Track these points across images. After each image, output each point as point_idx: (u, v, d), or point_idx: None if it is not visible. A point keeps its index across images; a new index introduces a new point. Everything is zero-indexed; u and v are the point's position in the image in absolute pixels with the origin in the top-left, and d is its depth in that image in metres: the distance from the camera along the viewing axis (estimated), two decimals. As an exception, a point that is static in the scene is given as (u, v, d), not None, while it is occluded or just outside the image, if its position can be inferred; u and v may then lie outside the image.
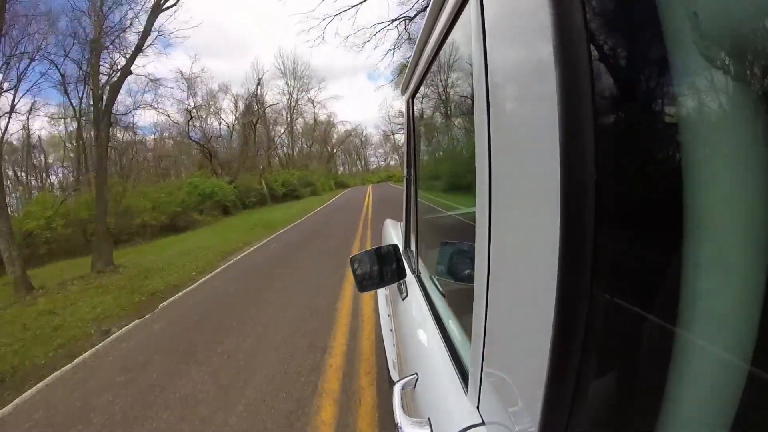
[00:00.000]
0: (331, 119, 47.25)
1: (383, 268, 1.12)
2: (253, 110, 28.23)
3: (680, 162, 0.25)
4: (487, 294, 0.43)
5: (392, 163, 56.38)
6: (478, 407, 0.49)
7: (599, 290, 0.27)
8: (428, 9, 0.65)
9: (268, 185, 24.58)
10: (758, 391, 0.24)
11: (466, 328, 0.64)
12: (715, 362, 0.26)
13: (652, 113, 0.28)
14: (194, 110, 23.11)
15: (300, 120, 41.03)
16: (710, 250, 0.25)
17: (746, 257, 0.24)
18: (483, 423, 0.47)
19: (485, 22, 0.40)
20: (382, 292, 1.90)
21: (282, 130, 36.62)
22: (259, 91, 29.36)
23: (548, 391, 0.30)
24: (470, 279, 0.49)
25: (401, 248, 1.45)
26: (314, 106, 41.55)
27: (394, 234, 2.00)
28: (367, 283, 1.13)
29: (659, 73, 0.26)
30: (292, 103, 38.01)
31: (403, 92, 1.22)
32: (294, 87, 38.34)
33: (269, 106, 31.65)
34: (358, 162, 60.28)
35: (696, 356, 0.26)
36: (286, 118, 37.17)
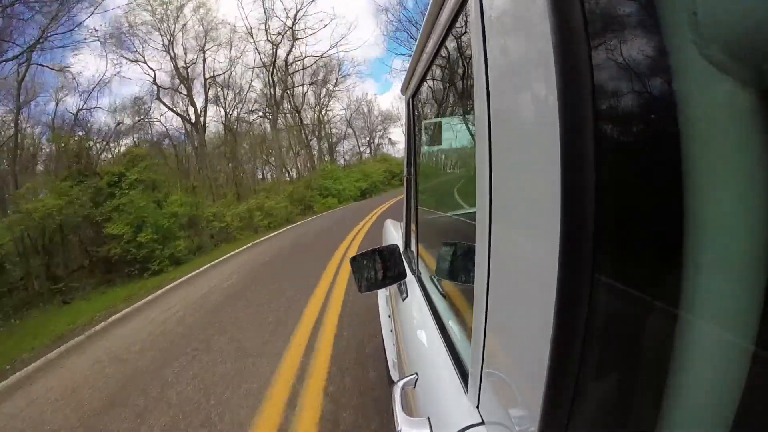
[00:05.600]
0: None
1: (383, 269, 1.12)
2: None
3: (680, 162, 0.25)
4: (487, 294, 0.43)
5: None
6: (477, 407, 0.49)
7: (599, 290, 0.27)
8: (428, 9, 0.65)
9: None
10: (760, 393, 0.24)
11: (466, 328, 0.64)
12: (716, 363, 0.26)
13: (652, 113, 0.28)
14: None
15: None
16: (711, 251, 0.25)
17: (747, 259, 0.24)
18: (483, 423, 0.47)
19: (485, 21, 0.40)
20: (382, 293, 1.90)
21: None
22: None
23: (548, 391, 0.30)
24: (470, 279, 0.49)
25: (401, 249, 1.45)
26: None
27: (394, 234, 2.00)
28: (367, 284, 1.13)
29: (659, 73, 0.26)
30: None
31: (403, 92, 1.22)
32: None
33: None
34: (353, 141, 24.79)
35: (696, 357, 0.26)
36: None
